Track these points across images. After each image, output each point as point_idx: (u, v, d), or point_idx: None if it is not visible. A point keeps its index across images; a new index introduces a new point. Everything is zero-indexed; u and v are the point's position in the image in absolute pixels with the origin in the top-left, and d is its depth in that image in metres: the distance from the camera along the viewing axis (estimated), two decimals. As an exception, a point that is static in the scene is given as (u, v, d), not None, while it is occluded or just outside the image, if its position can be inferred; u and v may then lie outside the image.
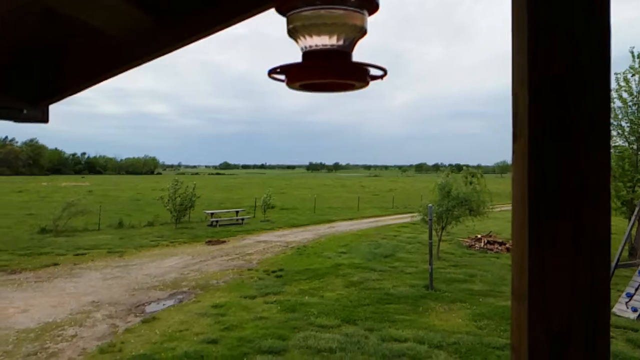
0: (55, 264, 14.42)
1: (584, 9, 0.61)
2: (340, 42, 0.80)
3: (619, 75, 17.14)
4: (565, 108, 0.62)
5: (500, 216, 23.04)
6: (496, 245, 18.08)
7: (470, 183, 16.26)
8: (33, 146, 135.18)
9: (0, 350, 7.85)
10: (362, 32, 0.80)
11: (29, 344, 8.14)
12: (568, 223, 0.64)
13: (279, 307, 10.19)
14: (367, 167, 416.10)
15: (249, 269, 14.02)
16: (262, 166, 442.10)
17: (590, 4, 0.61)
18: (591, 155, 0.62)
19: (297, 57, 0.84)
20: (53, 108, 1.47)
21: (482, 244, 18.36)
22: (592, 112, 0.62)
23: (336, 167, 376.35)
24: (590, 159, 0.62)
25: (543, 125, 0.63)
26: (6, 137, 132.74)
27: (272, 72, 0.83)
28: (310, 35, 0.79)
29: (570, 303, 0.64)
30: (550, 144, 0.63)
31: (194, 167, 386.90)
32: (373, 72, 0.83)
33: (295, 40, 0.82)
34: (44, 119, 1.41)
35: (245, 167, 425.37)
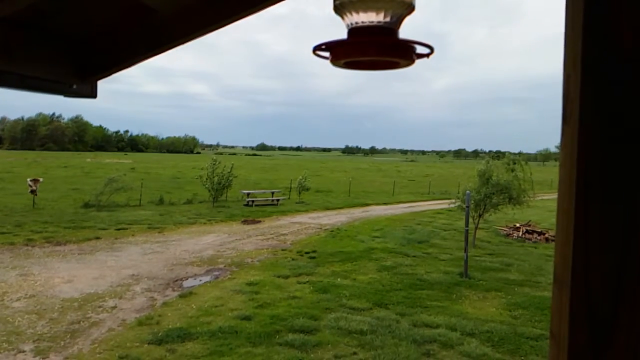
0: (98, 238, 14.97)
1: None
2: (387, 19, 0.78)
3: None
4: (620, 90, 0.60)
5: (540, 205, 22.47)
6: (535, 235, 17.68)
7: (512, 170, 15.84)
8: (78, 122, 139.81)
9: (47, 317, 8.25)
10: (410, 8, 0.79)
11: (73, 312, 8.52)
12: (617, 209, 0.62)
13: (311, 288, 10.31)
14: (404, 152, 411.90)
15: (283, 249, 14.20)
16: (299, 148, 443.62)
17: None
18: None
19: (338, 38, 0.84)
20: (98, 85, 1.51)
21: (521, 233, 17.98)
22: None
23: (372, 151, 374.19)
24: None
25: (595, 107, 0.61)
26: (53, 114, 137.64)
27: (316, 49, 0.82)
28: (357, 12, 0.78)
29: (615, 291, 0.62)
30: (602, 126, 0.61)
31: (232, 147, 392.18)
32: (419, 50, 0.82)
33: (342, 16, 0.81)
34: (93, 94, 1.46)
35: (281, 148, 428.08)
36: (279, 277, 11.11)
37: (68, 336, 7.51)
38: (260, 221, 19.60)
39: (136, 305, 9.06)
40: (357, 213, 23.59)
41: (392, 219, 21.82)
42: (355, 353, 7.15)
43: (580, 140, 0.61)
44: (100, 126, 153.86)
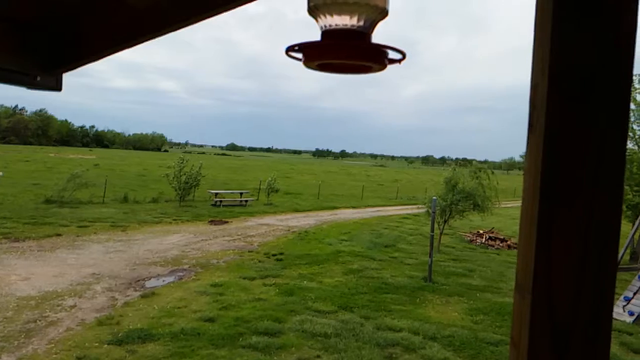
0: (58, 235, 14.55)
1: (614, 3, 0.60)
2: (361, 23, 0.79)
3: (635, 77, 17.00)
4: (585, 101, 0.62)
5: (504, 213, 23.02)
6: (497, 242, 18.08)
7: (477, 178, 16.21)
8: (42, 116, 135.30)
9: (0, 316, 7.95)
10: (383, 13, 0.79)
11: (29, 311, 8.25)
12: (579, 218, 0.63)
13: (277, 290, 10.26)
14: (374, 157, 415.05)
15: (249, 251, 14.10)
16: (269, 149, 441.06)
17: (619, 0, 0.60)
18: (607, 150, 0.62)
19: (313, 39, 0.83)
20: (64, 78, 1.46)
21: (484, 240, 18.36)
22: (611, 107, 0.61)
23: (342, 154, 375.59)
24: (606, 154, 0.62)
25: (561, 116, 0.62)
26: (16, 106, 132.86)
27: (289, 50, 0.82)
28: (331, 14, 0.78)
29: (575, 299, 0.64)
30: (566, 136, 0.62)
31: (201, 146, 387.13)
32: (391, 55, 0.82)
33: (315, 18, 0.81)
34: (58, 87, 1.41)
35: (251, 149, 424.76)
36: (244, 278, 11.02)
37: (23, 336, 7.25)
38: (227, 222, 19.42)
39: (96, 304, 8.83)
40: (326, 216, 23.63)
41: (360, 222, 21.94)
42: (318, 356, 7.14)
43: (545, 148, 0.63)
44: (65, 120, 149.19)
